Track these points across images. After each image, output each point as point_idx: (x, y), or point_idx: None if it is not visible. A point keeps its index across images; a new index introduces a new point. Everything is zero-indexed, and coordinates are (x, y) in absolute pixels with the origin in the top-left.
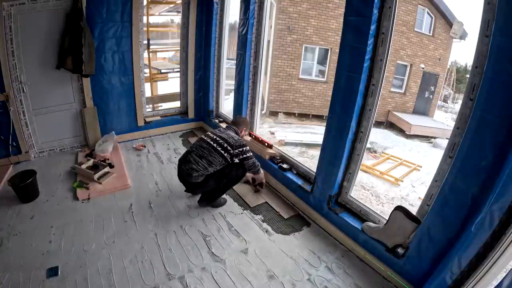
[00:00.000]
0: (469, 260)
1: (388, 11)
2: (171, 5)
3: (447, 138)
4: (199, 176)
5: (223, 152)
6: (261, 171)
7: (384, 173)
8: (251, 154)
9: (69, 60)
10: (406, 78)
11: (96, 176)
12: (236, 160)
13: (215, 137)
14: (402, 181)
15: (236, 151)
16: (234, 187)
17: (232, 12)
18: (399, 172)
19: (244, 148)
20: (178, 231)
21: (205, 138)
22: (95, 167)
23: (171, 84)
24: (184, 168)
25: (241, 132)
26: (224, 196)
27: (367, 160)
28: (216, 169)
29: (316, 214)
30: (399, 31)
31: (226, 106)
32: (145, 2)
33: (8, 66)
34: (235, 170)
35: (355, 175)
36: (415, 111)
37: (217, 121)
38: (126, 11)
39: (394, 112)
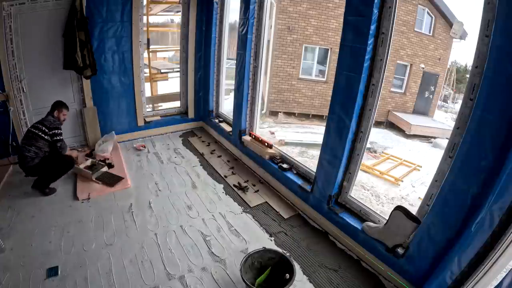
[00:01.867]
0: (469, 260)
1: (388, 11)
2: (171, 5)
3: (447, 138)
4: (32, 161)
5: (43, 135)
6: (67, 149)
7: (384, 173)
8: (61, 137)
9: (74, 61)
10: (406, 78)
11: (94, 176)
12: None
13: (37, 125)
14: (402, 181)
15: (51, 132)
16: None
17: (232, 12)
18: (399, 172)
19: (56, 131)
20: (178, 231)
21: (30, 129)
22: (94, 167)
23: (171, 84)
24: (21, 156)
25: (57, 115)
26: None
27: (367, 160)
28: (43, 153)
29: (316, 214)
30: (399, 31)
31: (226, 106)
32: (145, 2)
33: (8, 66)
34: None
35: (355, 175)
36: (415, 111)
37: (217, 121)
38: (126, 11)
39: (394, 112)
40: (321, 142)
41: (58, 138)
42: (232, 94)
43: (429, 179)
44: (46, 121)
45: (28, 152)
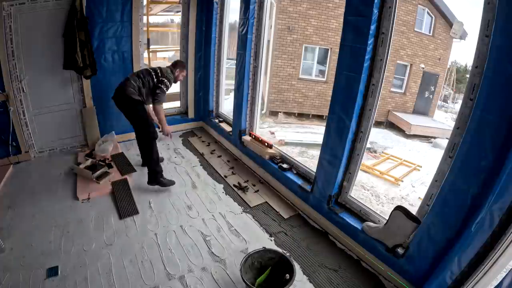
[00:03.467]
0: (469, 260)
1: (388, 11)
2: (171, 5)
3: (447, 138)
4: (133, 91)
5: (154, 76)
6: (162, 111)
7: (384, 173)
8: (165, 90)
9: (74, 61)
10: (406, 78)
11: (94, 176)
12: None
13: (153, 67)
14: (402, 181)
15: (161, 78)
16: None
17: (232, 12)
18: (399, 172)
19: (165, 81)
20: (178, 231)
21: (148, 68)
22: (94, 167)
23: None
24: (124, 83)
25: (176, 72)
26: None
27: (367, 160)
28: (143, 95)
29: (316, 214)
30: (399, 31)
31: (226, 106)
32: (145, 2)
33: (8, 66)
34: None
35: (355, 175)
36: (415, 111)
37: (217, 121)
38: (126, 11)
39: (394, 112)
40: (321, 142)
41: (162, 87)
42: (232, 94)
43: (429, 179)
44: (163, 69)
45: (134, 82)
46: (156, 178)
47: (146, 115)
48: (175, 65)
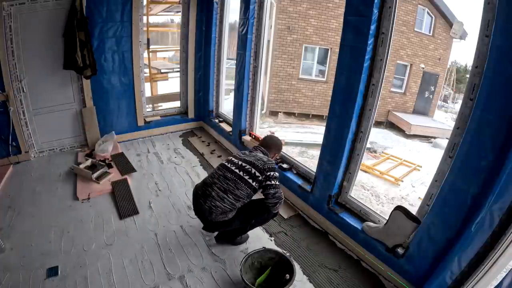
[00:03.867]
0: (469, 260)
1: (388, 11)
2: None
3: (447, 138)
4: (223, 215)
5: (251, 181)
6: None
7: (384, 173)
8: (278, 183)
9: (74, 61)
10: (406, 78)
11: (94, 176)
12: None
13: (240, 163)
14: (402, 181)
15: (264, 176)
16: None
17: (232, 12)
18: (399, 172)
19: (272, 173)
20: (178, 231)
21: (229, 166)
22: (94, 167)
23: (171, 84)
24: (205, 206)
25: (271, 157)
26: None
27: (367, 160)
28: (245, 203)
29: (316, 214)
30: (399, 31)
31: (226, 106)
32: (145, 2)
33: (8, 66)
34: (266, 210)
35: (355, 175)
36: (415, 111)
37: (217, 120)
38: (126, 11)
39: (394, 112)
40: (321, 142)
41: (273, 182)
42: (232, 94)
43: (429, 179)
44: (257, 161)
45: (222, 202)
46: (233, 240)
47: (253, 211)
48: (269, 146)
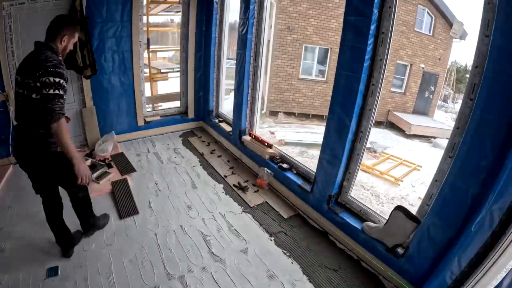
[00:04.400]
0: (469, 260)
1: (388, 11)
2: (171, 5)
3: (447, 138)
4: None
5: (32, 91)
6: (64, 131)
7: (384, 173)
8: (60, 93)
9: (74, 61)
10: (406, 78)
11: (94, 176)
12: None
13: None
14: (402, 181)
15: (43, 79)
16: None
17: (232, 12)
18: (399, 172)
19: (51, 78)
20: (178, 231)
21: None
22: (94, 167)
23: (171, 84)
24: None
25: (60, 42)
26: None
27: (367, 160)
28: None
29: (316, 213)
30: (399, 31)
31: (226, 106)
32: (145, 2)
33: (8, 65)
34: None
35: (355, 175)
36: (415, 111)
37: (217, 120)
38: (126, 11)
39: (394, 112)
40: (321, 142)
41: (50, 92)
42: (232, 94)
43: (429, 179)
44: (41, 54)
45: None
46: (93, 225)
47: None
48: (53, 31)
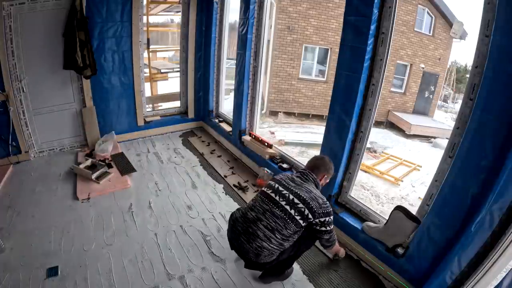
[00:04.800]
0: (469, 260)
1: (388, 11)
2: (171, 5)
3: (447, 138)
4: (271, 255)
5: (301, 222)
6: (336, 243)
7: (384, 173)
8: (332, 227)
9: (74, 61)
10: (406, 78)
11: (94, 176)
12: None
13: (292, 197)
14: (402, 181)
15: (317, 220)
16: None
17: (232, 12)
18: (399, 172)
19: (328, 219)
20: (178, 231)
21: (277, 199)
22: (94, 167)
23: (171, 84)
24: (250, 247)
25: (320, 181)
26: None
27: (367, 160)
28: (293, 241)
29: None
30: (399, 31)
31: (226, 106)
32: (145, 2)
33: (8, 65)
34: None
35: (355, 175)
36: (415, 111)
37: (217, 120)
38: (126, 11)
39: (394, 112)
40: (321, 142)
41: (328, 228)
42: (232, 94)
43: (429, 179)
44: (311, 199)
45: (269, 243)
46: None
47: (299, 247)
48: (319, 169)
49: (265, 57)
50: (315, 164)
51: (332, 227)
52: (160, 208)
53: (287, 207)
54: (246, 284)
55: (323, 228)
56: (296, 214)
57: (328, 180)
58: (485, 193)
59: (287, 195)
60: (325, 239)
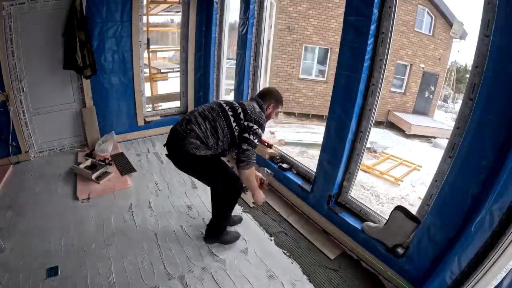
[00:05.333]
0: (469, 260)
1: (388, 11)
2: (171, 5)
3: (447, 138)
4: (195, 145)
5: (232, 119)
6: (252, 170)
7: (384, 173)
8: (257, 142)
9: (74, 61)
10: (406, 78)
11: (94, 176)
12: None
13: (233, 101)
14: (402, 181)
15: (246, 123)
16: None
17: (232, 12)
18: (399, 172)
19: (255, 127)
20: (178, 231)
21: (220, 101)
22: (94, 167)
23: (171, 84)
24: (180, 128)
25: (266, 108)
26: (233, 229)
27: (367, 160)
28: (216, 147)
29: (316, 213)
30: (399, 31)
31: None
32: (145, 2)
33: (8, 65)
34: (233, 179)
35: (355, 175)
36: (415, 111)
37: None
38: (126, 11)
39: (394, 112)
40: (321, 142)
41: (250, 138)
42: (232, 94)
43: (429, 179)
44: (247, 105)
45: (199, 128)
46: (217, 235)
47: (224, 170)
48: (264, 96)
49: (265, 57)
50: (261, 92)
51: (256, 141)
52: (160, 208)
53: (224, 105)
54: (246, 284)
55: (246, 135)
56: (229, 109)
57: (274, 111)
58: (485, 193)
59: (230, 101)
60: (243, 148)
